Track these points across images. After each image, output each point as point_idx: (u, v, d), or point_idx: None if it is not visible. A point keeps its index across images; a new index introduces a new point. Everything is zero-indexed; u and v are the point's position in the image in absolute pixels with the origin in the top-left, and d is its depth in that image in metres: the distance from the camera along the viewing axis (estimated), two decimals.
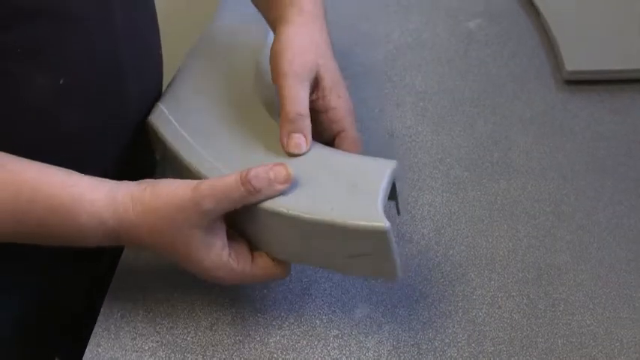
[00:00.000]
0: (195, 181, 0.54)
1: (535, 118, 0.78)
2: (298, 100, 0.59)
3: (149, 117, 0.67)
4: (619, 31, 0.85)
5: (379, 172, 0.56)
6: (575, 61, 0.82)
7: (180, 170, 0.62)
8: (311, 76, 0.61)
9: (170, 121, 0.65)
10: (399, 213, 0.60)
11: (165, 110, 0.67)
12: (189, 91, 0.69)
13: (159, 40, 0.74)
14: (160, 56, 0.74)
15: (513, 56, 0.86)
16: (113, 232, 0.55)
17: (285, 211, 0.54)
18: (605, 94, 0.80)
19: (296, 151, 0.58)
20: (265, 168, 0.54)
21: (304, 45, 0.61)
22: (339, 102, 0.62)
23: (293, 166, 0.56)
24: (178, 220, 0.53)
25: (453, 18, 0.92)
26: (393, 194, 0.58)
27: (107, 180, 0.56)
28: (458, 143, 0.76)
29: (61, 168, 0.56)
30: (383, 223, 0.53)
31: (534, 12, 0.91)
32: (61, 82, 0.59)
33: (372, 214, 0.53)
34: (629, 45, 0.83)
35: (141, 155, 0.71)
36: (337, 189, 0.55)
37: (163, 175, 0.59)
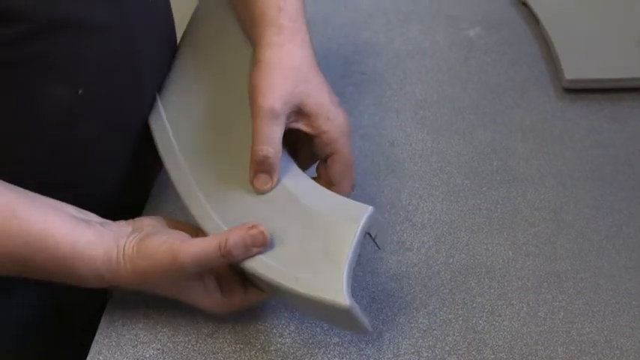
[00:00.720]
0: (177, 242, 0.56)
1: (534, 126, 0.78)
2: (267, 138, 0.59)
3: (149, 118, 0.68)
4: (618, 39, 0.86)
5: (350, 227, 0.55)
6: (574, 70, 0.82)
7: (169, 179, 0.64)
8: (289, 107, 0.60)
9: (164, 127, 0.67)
10: (378, 247, 0.60)
11: (162, 112, 0.68)
12: (187, 81, 0.70)
13: (174, 37, 0.75)
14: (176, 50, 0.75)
15: (513, 64, 0.86)
16: (110, 283, 0.58)
17: (255, 270, 0.56)
18: (605, 103, 0.81)
19: (262, 190, 0.60)
20: (242, 234, 0.55)
21: (282, 73, 0.60)
22: (328, 124, 0.61)
23: (267, 212, 0.58)
24: (164, 281, 0.57)
25: (452, 26, 0.92)
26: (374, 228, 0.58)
27: (109, 230, 0.58)
28: (457, 151, 0.76)
29: (69, 213, 0.58)
30: (344, 301, 0.52)
31: (534, 20, 0.91)
32: (80, 92, 0.60)
33: (336, 290, 0.53)
34: (629, 54, 0.84)
35: (150, 150, 0.72)
36: (307, 250, 0.56)
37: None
